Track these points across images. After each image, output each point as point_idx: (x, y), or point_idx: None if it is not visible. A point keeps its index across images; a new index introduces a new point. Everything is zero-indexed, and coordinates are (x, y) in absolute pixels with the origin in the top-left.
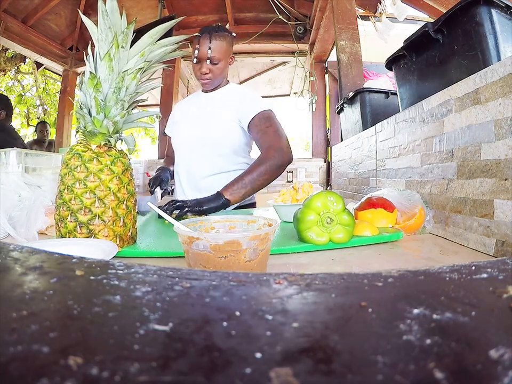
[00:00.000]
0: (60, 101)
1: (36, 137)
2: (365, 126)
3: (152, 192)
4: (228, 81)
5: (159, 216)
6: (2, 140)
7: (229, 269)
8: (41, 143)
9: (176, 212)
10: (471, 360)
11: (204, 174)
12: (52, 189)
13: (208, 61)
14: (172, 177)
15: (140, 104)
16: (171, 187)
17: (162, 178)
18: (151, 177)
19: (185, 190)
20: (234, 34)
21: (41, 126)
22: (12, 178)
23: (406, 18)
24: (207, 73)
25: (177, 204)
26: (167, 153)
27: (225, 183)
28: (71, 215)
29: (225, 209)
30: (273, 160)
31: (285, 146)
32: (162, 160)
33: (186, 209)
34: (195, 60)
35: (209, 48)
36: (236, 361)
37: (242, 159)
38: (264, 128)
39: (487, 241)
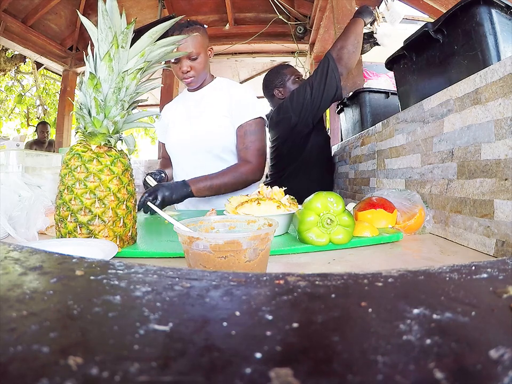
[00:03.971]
0: (60, 101)
1: (36, 137)
2: (365, 126)
3: (144, 184)
4: (213, 76)
5: (146, 210)
6: None
7: (229, 269)
8: (41, 144)
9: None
10: (471, 360)
11: (201, 172)
12: (52, 189)
13: (187, 57)
14: (167, 177)
15: (140, 104)
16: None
17: (154, 176)
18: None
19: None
20: (206, 26)
21: (42, 126)
22: (12, 178)
23: (406, 18)
24: (188, 71)
25: (150, 195)
26: (163, 155)
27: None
28: (71, 215)
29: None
30: (244, 176)
31: (259, 167)
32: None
33: (159, 201)
34: (173, 60)
35: (185, 43)
36: (236, 361)
37: (235, 157)
38: (248, 142)
39: (487, 241)
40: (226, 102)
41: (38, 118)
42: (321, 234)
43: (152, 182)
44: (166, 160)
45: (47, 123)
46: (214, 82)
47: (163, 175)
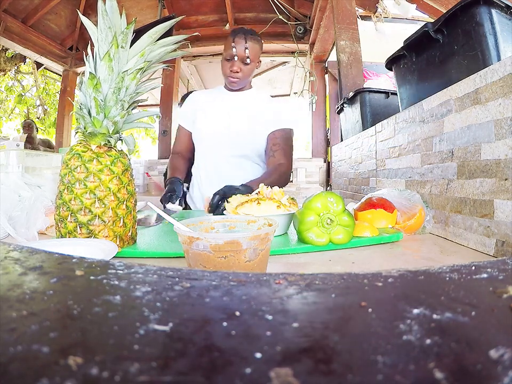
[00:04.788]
0: (60, 101)
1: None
2: (365, 126)
3: (164, 209)
4: (251, 85)
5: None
6: None
7: (229, 269)
8: (31, 139)
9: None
10: (471, 360)
11: (228, 170)
12: (52, 189)
13: (241, 60)
14: (184, 185)
15: (140, 104)
16: (184, 199)
17: (176, 194)
18: (163, 192)
19: (203, 183)
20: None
21: (25, 123)
22: (12, 178)
23: (406, 18)
24: (237, 72)
25: (223, 198)
26: (178, 150)
27: (244, 180)
28: (71, 215)
29: None
30: (285, 176)
31: (290, 170)
32: (162, 160)
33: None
34: (228, 57)
35: (246, 48)
36: (236, 361)
37: (260, 161)
38: (283, 146)
39: (487, 241)
40: (265, 111)
41: (38, 118)
42: (321, 234)
43: (177, 208)
44: (181, 157)
45: (31, 120)
46: (254, 90)
47: (182, 190)
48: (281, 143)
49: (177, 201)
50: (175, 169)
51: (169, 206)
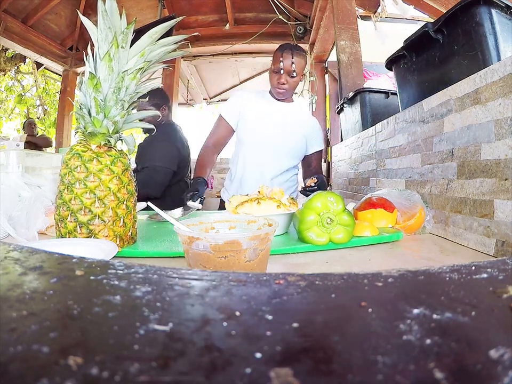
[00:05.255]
0: (60, 101)
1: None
2: (365, 126)
3: (185, 205)
4: (292, 98)
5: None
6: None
7: (229, 269)
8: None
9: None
10: (471, 360)
11: (272, 173)
12: (52, 189)
13: (287, 73)
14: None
15: None
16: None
17: (198, 194)
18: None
19: (245, 183)
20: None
21: (27, 123)
22: (12, 178)
23: (406, 18)
24: (284, 84)
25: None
26: (214, 141)
27: (282, 183)
28: (71, 215)
29: None
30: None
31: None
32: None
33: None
34: (276, 70)
35: (293, 63)
36: (236, 361)
37: (295, 167)
38: (319, 163)
39: (487, 241)
40: (306, 126)
41: (38, 118)
42: (321, 234)
43: (197, 205)
44: (212, 152)
45: (31, 119)
46: (297, 103)
47: (203, 189)
48: (316, 166)
49: (198, 200)
50: (204, 167)
51: (190, 203)
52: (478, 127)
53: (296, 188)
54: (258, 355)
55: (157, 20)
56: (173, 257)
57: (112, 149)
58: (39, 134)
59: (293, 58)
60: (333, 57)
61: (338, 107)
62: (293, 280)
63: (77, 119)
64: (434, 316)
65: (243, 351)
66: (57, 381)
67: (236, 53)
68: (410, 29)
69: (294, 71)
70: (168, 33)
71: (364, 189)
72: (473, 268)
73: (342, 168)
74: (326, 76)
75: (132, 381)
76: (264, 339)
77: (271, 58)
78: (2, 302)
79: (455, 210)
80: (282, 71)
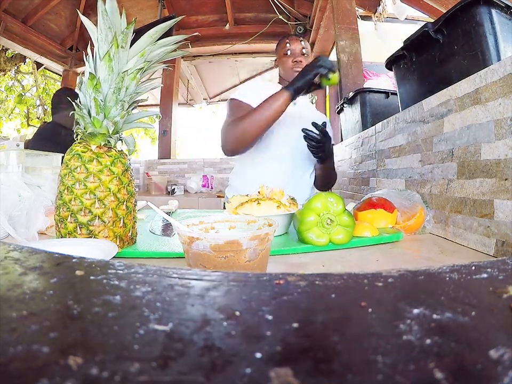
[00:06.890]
0: None
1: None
2: (365, 126)
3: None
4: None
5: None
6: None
7: (229, 269)
8: None
9: None
10: (471, 360)
11: (286, 167)
12: (52, 189)
13: (300, 52)
14: None
15: (140, 104)
16: None
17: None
18: None
19: (267, 179)
20: None
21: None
22: (12, 178)
23: (406, 18)
24: (301, 61)
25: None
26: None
27: (300, 180)
28: (71, 215)
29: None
30: (334, 178)
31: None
32: (162, 160)
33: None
34: (286, 52)
35: (301, 41)
36: (236, 361)
37: (310, 163)
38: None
39: (487, 241)
40: (319, 119)
41: (38, 118)
42: (321, 234)
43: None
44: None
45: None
46: (306, 98)
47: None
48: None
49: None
50: (260, 112)
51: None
52: (478, 127)
53: (312, 188)
54: (258, 355)
55: (156, 19)
56: (173, 257)
57: (112, 150)
58: None
59: (299, 39)
60: (333, 57)
61: (338, 107)
62: (293, 280)
63: (77, 119)
64: (434, 316)
65: (243, 351)
66: (57, 381)
67: (235, 53)
68: (410, 29)
69: (305, 48)
70: (168, 33)
71: (364, 188)
72: (473, 268)
73: (342, 168)
74: None
75: (132, 381)
76: (264, 339)
77: (271, 58)
78: (2, 302)
79: (455, 210)
80: (294, 51)
